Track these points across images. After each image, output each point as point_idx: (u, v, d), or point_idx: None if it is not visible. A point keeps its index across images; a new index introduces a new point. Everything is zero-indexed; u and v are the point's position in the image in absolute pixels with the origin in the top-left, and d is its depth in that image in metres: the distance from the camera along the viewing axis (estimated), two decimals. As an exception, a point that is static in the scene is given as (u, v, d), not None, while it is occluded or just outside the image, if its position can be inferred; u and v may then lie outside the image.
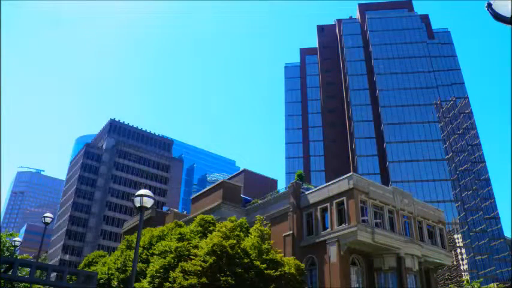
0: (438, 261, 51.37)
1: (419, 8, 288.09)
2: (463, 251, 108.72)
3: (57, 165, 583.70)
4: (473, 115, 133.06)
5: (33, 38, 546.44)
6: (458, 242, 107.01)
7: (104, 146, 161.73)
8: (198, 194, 65.82)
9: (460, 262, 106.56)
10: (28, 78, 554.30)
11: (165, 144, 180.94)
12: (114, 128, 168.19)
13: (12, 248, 43.41)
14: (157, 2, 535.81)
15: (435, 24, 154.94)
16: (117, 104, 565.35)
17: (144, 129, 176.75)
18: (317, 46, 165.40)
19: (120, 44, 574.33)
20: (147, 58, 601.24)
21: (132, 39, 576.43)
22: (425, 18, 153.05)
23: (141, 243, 48.98)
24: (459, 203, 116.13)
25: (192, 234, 45.33)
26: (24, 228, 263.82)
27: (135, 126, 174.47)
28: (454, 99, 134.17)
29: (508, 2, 7.30)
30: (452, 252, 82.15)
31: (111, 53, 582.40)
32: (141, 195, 18.31)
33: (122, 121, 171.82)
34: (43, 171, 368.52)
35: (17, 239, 42.29)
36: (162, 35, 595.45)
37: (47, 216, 32.08)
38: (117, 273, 51.80)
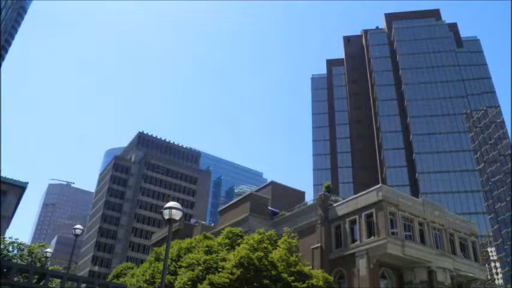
0: (471, 275, 49.95)
1: (447, 16, 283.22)
2: (498, 264, 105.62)
3: (87, 178, 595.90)
4: (506, 124, 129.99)
5: (68, 48, 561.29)
6: (493, 256, 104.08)
7: (133, 159, 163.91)
8: (225, 206, 65.93)
9: (495, 276, 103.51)
10: (58, 93, 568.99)
11: (192, 156, 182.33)
12: (143, 140, 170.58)
13: (44, 259, 44.20)
14: (179, 13, 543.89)
15: (464, 33, 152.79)
16: (145, 117, 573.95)
17: (171, 141, 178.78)
18: (343, 57, 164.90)
19: (149, 59, 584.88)
20: (175, 72, 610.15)
21: (160, 54, 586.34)
22: (453, 27, 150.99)
23: (169, 255, 49.19)
24: (492, 215, 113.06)
25: (219, 247, 45.32)
26: (55, 239, 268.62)
27: (163, 138, 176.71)
28: (484, 108, 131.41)
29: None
30: (486, 265, 79.90)
31: (141, 67, 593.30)
32: (170, 208, 18.41)
33: (150, 134, 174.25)
34: (73, 183, 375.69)
35: (48, 250, 43.09)
36: (188, 46, 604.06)
37: (77, 228, 32.52)
38: (146, 285, 52.05)
